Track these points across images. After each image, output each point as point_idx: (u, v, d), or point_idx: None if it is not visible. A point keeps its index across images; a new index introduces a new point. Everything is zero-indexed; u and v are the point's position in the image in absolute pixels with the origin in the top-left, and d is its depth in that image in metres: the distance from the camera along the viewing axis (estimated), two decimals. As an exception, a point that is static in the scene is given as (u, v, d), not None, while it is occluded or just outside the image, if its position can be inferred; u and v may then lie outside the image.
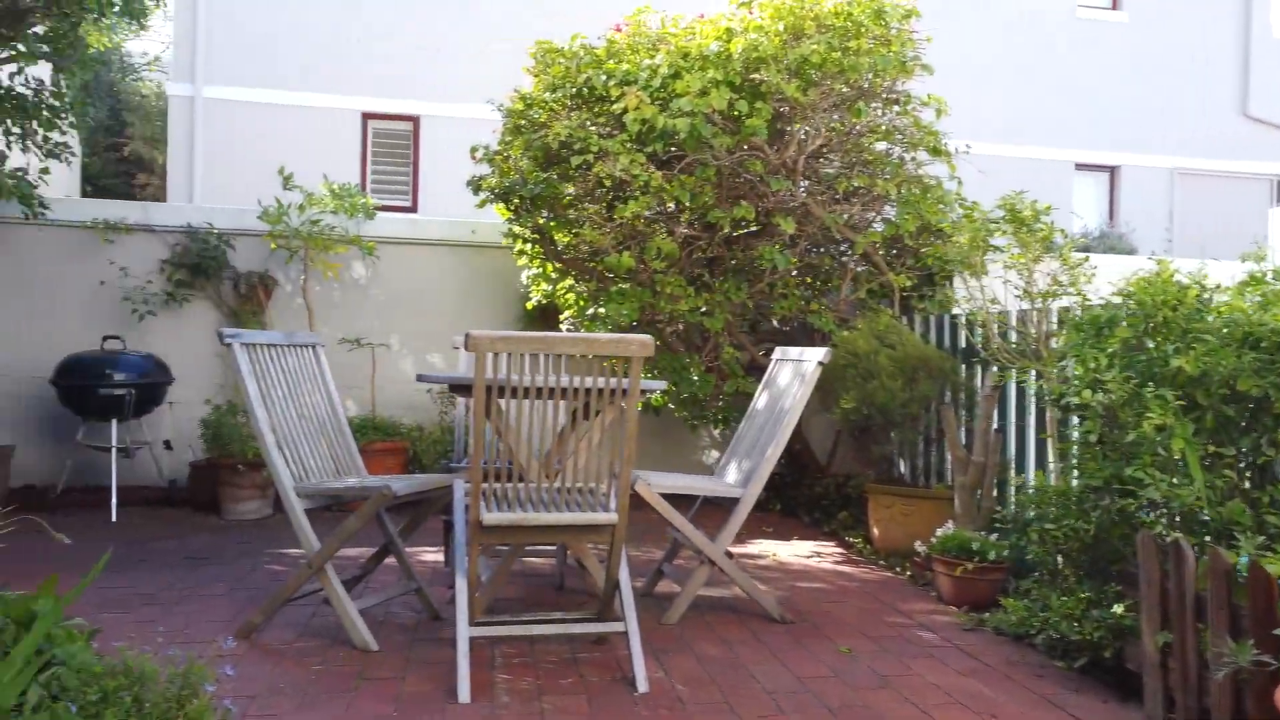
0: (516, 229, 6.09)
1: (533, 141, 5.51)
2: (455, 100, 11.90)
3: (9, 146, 5.90)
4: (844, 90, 5.36)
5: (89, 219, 6.46)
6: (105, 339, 6.07)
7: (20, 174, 6.18)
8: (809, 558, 4.97)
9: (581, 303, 6.10)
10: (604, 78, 5.29)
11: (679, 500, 3.74)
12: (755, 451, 3.93)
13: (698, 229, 5.56)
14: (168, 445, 6.39)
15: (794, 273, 5.83)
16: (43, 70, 6.59)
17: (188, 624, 3.52)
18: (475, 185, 5.99)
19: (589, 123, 5.42)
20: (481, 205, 6.04)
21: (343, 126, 12.10)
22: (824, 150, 5.67)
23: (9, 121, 5.68)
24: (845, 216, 5.58)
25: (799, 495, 6.24)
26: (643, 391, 3.79)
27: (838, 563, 4.86)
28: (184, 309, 6.62)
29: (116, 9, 5.90)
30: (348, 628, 3.26)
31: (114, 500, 5.67)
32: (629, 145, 5.20)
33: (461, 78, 11.88)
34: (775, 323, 6.25)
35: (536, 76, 5.78)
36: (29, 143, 5.94)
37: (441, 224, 7.11)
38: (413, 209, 12.11)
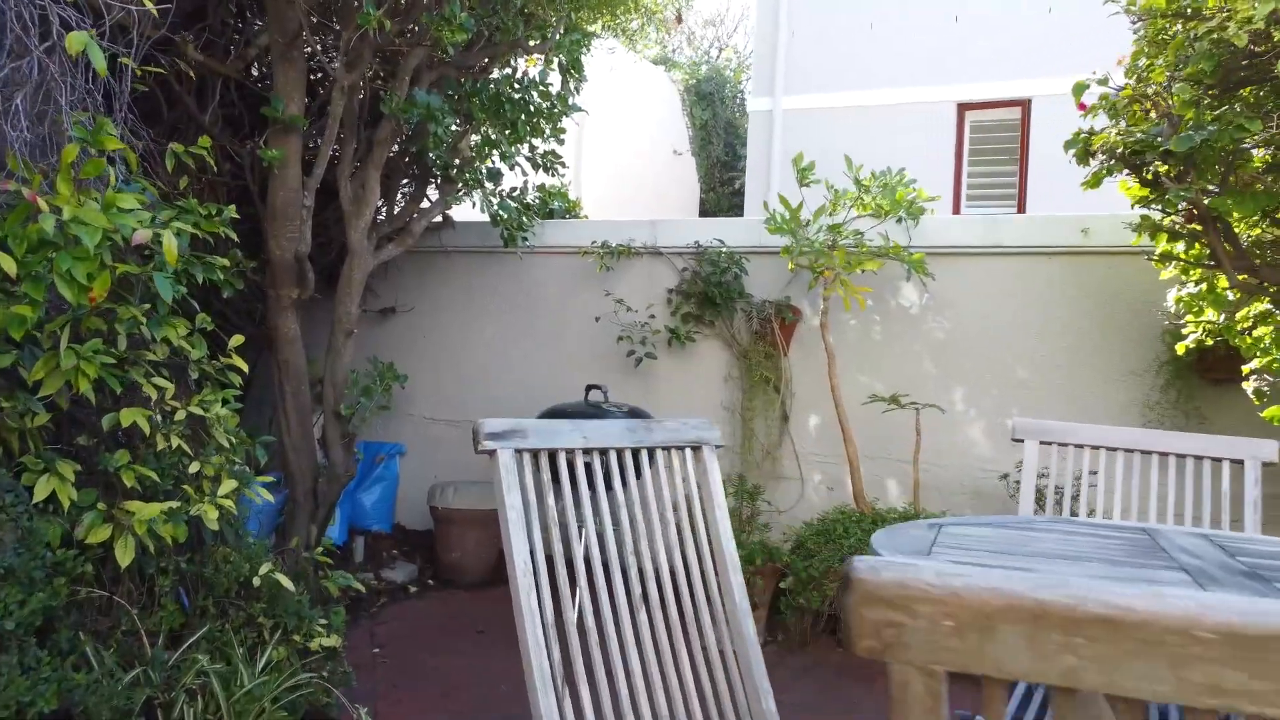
0: (1157, 216, 3.52)
1: (1194, 46, 2.96)
2: (1073, 72, 9.12)
3: (500, 162, 5.08)
4: None
5: (589, 241, 5.43)
6: (589, 389, 4.90)
7: (517, 195, 5.37)
8: None
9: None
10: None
11: None
12: None
13: None
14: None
15: None
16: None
17: None
18: (1082, 145, 3.57)
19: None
20: (1094, 182, 3.61)
21: (933, 123, 10.08)
22: None
23: (496, 130, 4.81)
24: None
25: None
26: None
27: None
28: (686, 348, 5.24)
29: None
30: None
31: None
32: None
33: (1083, 36, 9.07)
34: None
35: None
36: (517, 158, 5.06)
37: (1030, 223, 4.72)
38: (1018, 216, 9.63)
